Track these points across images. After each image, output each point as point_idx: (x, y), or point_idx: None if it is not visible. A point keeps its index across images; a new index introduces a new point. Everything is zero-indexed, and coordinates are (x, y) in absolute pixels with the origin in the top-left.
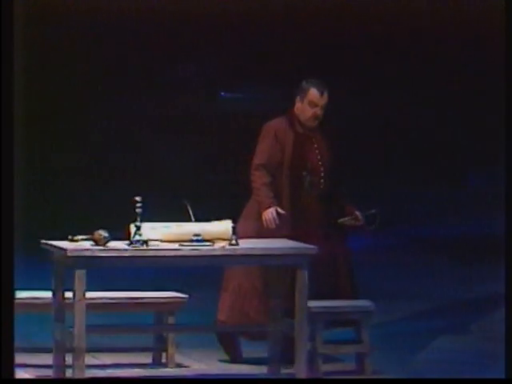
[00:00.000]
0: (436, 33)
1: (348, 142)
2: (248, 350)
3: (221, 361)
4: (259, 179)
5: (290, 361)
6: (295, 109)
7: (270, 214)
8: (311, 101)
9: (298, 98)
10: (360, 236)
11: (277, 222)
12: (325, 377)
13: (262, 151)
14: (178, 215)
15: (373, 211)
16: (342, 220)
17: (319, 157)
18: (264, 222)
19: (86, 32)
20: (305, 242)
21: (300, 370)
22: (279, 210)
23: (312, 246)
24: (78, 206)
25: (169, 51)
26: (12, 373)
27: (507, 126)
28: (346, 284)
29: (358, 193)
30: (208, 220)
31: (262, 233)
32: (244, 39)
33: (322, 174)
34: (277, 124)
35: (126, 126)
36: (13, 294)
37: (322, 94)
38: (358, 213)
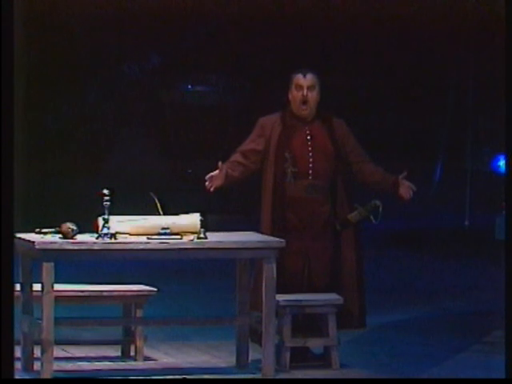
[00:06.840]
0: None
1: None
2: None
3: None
4: (228, 160)
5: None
6: (289, 101)
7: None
8: (296, 84)
9: (289, 90)
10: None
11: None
12: (292, 370)
13: (245, 143)
14: (149, 209)
15: (374, 202)
16: (350, 215)
17: (310, 148)
18: None
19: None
20: (295, 233)
21: (268, 363)
22: (220, 166)
23: (280, 240)
24: (46, 199)
25: (134, 45)
26: (12, 373)
27: (507, 125)
28: (351, 278)
29: None
30: (180, 213)
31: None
32: (213, 32)
33: (311, 165)
34: (266, 119)
35: (94, 119)
36: (12, 297)
37: (304, 75)
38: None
